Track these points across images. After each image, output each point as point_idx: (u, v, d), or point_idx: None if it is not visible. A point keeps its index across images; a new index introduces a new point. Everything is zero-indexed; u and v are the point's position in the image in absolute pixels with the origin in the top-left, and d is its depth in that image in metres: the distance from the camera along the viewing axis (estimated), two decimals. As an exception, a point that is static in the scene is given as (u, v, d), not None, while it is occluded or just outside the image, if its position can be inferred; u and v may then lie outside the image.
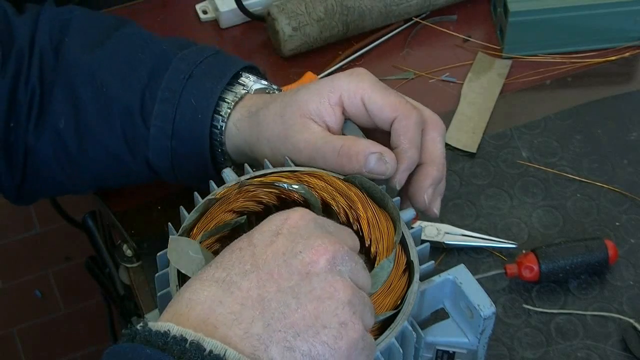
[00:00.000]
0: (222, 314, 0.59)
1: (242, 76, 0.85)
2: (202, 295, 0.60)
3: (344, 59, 1.09)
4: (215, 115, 0.82)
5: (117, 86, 0.84)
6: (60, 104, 0.85)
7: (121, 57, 0.85)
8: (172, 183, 0.88)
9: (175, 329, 0.57)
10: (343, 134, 0.79)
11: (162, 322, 0.58)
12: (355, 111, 0.78)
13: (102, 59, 0.86)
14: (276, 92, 0.85)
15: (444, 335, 0.73)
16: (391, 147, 0.76)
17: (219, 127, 0.83)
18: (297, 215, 0.64)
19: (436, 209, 0.78)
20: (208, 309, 0.59)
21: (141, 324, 0.58)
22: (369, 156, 0.74)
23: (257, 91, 0.84)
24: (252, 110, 0.82)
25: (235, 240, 0.64)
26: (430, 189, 0.77)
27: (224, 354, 0.57)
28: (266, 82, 0.86)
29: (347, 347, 0.60)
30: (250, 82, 0.84)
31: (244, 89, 0.84)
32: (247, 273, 0.60)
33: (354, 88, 0.77)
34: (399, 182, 0.76)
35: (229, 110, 0.82)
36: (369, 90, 0.77)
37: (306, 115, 0.77)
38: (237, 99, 0.83)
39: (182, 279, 0.70)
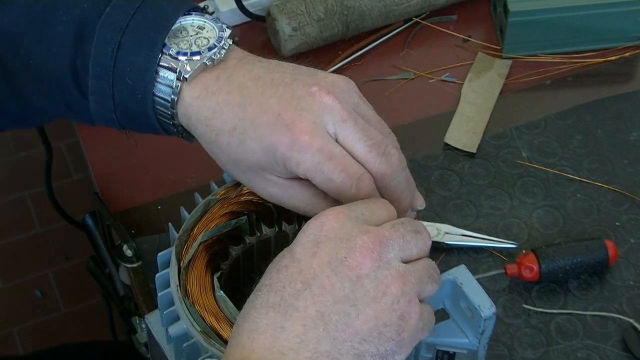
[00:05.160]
0: (286, 339, 0.59)
1: (167, 53, 0.71)
2: (262, 324, 0.60)
3: (344, 59, 1.09)
4: (156, 98, 0.72)
5: (44, 57, 0.75)
6: None
7: (36, 17, 0.75)
8: None
9: None
10: None
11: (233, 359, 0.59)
12: None
13: (14, 19, 0.75)
14: (222, 52, 0.71)
15: (444, 335, 0.73)
16: None
17: (169, 113, 0.72)
18: (331, 219, 0.63)
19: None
20: (271, 337, 0.59)
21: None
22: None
23: (196, 72, 0.71)
24: (203, 95, 0.71)
25: (278, 257, 0.63)
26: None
27: None
28: (198, 50, 0.71)
29: (410, 335, 0.62)
30: (180, 62, 0.70)
31: (176, 78, 0.71)
32: (300, 292, 0.60)
33: None
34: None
35: (174, 98, 0.71)
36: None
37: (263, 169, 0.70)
38: (176, 90, 0.71)
39: (183, 279, 0.70)
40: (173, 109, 0.71)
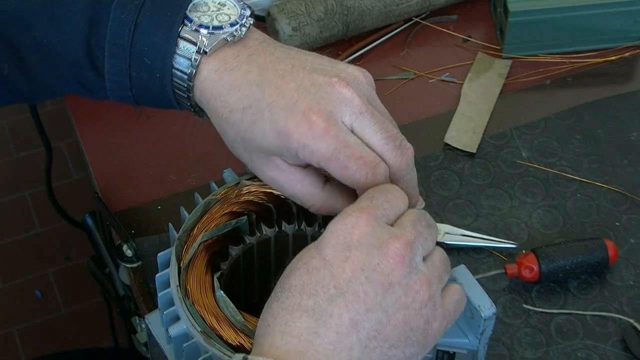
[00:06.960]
0: (320, 345, 0.59)
1: (189, 25, 0.71)
2: (296, 328, 0.60)
3: (344, 59, 1.09)
4: (175, 71, 0.71)
5: (56, 38, 0.74)
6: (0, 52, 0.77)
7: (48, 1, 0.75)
8: None
9: None
10: None
11: (263, 358, 0.59)
12: None
13: (26, 2, 0.75)
14: (243, 30, 0.71)
15: (444, 335, 0.72)
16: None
17: (185, 86, 0.72)
18: (362, 222, 0.62)
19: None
20: (305, 341, 0.59)
21: (242, 357, 0.59)
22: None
23: (216, 46, 0.70)
24: (221, 69, 0.70)
25: (305, 256, 0.63)
26: None
27: None
28: (219, 25, 0.71)
29: (433, 337, 0.63)
30: (200, 36, 0.70)
31: (196, 52, 0.70)
32: (334, 298, 0.60)
33: None
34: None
35: (193, 70, 0.71)
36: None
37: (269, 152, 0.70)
38: (195, 63, 0.71)
39: (183, 280, 0.70)
40: (190, 82, 0.70)
